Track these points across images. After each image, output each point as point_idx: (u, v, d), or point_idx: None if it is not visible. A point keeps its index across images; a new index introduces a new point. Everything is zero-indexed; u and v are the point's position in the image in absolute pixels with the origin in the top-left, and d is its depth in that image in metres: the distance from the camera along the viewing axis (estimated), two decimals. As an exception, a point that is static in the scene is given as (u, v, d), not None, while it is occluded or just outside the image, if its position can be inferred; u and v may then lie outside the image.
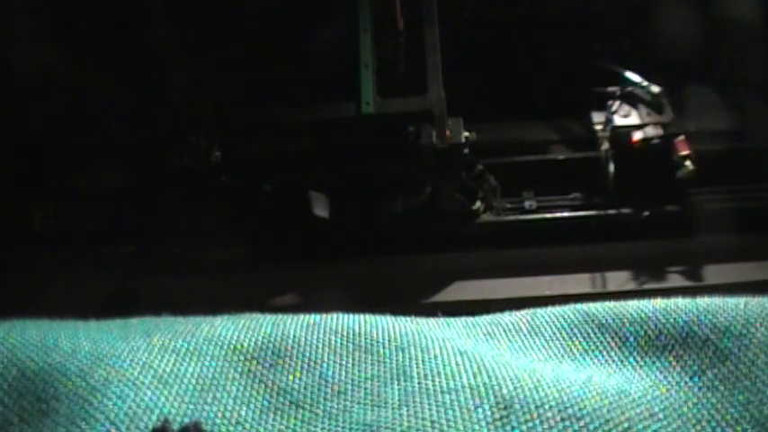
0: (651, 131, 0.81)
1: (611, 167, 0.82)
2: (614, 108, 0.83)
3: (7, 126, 0.84)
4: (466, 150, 0.77)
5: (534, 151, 0.90)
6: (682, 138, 0.80)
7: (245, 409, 0.40)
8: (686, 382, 0.41)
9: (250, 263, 0.82)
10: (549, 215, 0.83)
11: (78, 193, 0.85)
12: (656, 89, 0.83)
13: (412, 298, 0.80)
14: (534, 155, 0.90)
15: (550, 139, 0.93)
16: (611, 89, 0.85)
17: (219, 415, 0.39)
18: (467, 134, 0.77)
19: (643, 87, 0.83)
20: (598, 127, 0.85)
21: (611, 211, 0.82)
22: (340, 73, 0.81)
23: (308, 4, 0.86)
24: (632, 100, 0.83)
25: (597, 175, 0.85)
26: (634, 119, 0.82)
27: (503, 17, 0.95)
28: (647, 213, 0.81)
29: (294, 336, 0.44)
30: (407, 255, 0.83)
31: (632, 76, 0.85)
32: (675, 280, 0.80)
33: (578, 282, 0.81)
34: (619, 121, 0.82)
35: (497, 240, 0.83)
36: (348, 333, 0.45)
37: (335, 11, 0.84)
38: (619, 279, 0.81)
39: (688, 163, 0.78)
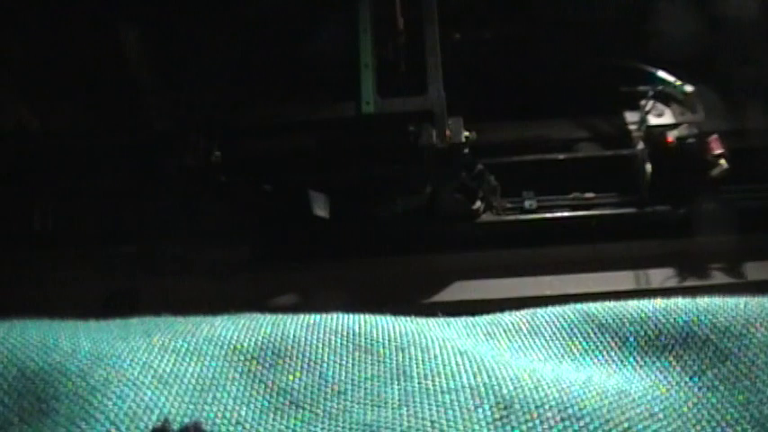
0: (685, 131, 0.81)
1: (648, 167, 0.82)
2: (648, 107, 0.83)
3: (7, 126, 0.84)
4: (466, 150, 0.77)
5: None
6: (715, 136, 0.80)
7: (245, 409, 0.40)
8: (686, 382, 0.41)
9: (250, 263, 0.82)
10: (549, 215, 0.83)
11: (78, 193, 0.85)
12: (689, 88, 0.83)
13: (412, 298, 0.80)
14: (538, 154, 0.90)
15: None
16: (642, 88, 0.85)
17: (219, 415, 0.39)
18: (467, 134, 0.77)
19: (676, 87, 0.84)
20: (632, 126, 0.85)
21: (648, 209, 0.83)
22: (340, 73, 0.81)
23: (309, 4, 0.86)
24: (664, 99, 0.84)
25: (603, 175, 0.85)
26: (668, 118, 0.82)
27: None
28: (682, 211, 0.82)
29: (294, 336, 0.44)
30: (407, 255, 0.83)
31: (665, 75, 0.85)
32: (675, 280, 0.80)
33: (578, 282, 0.81)
34: (653, 120, 0.83)
35: (497, 240, 0.83)
36: (348, 333, 0.45)
37: (335, 11, 0.84)
38: (619, 279, 0.81)
39: (722, 161, 0.79)
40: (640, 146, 0.83)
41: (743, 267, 0.80)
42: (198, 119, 0.78)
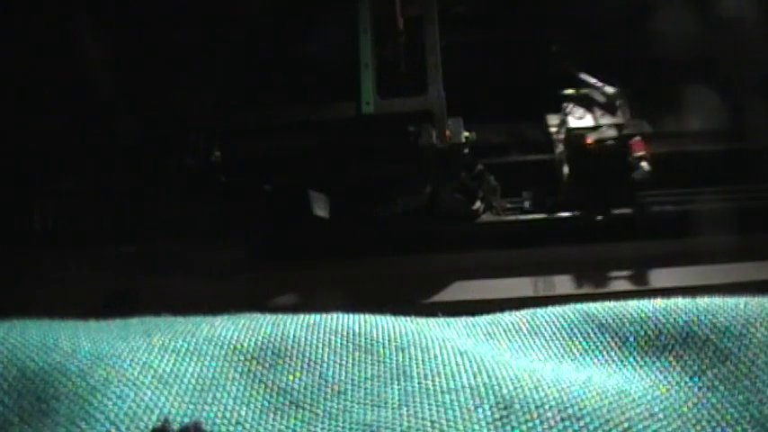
0: (606, 133, 0.81)
1: (566, 170, 0.81)
2: (569, 110, 0.83)
3: (7, 126, 0.84)
4: (466, 150, 0.77)
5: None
6: (637, 138, 0.80)
7: (245, 409, 0.40)
8: (686, 382, 0.41)
9: (250, 263, 0.82)
10: (549, 215, 0.83)
11: (78, 193, 0.85)
12: (610, 90, 0.82)
13: (412, 298, 0.80)
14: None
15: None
16: (567, 92, 0.85)
17: (219, 415, 0.39)
18: (467, 134, 0.77)
19: (598, 89, 0.83)
20: (553, 129, 0.84)
21: (565, 214, 0.82)
22: (340, 73, 0.81)
23: (309, 4, 0.86)
24: (588, 102, 0.83)
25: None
26: (589, 121, 0.82)
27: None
28: (600, 217, 0.81)
29: (294, 336, 0.44)
30: (407, 255, 0.83)
31: (587, 78, 0.85)
32: (675, 280, 0.80)
33: (578, 282, 0.81)
34: (573, 123, 0.82)
35: (497, 240, 0.83)
36: (348, 333, 0.45)
37: (335, 11, 0.84)
38: (619, 279, 0.81)
39: (644, 164, 0.78)
40: (560, 149, 0.82)
41: (743, 267, 0.80)
42: (198, 119, 0.78)
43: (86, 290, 0.78)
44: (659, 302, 0.46)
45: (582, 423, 0.37)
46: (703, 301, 0.45)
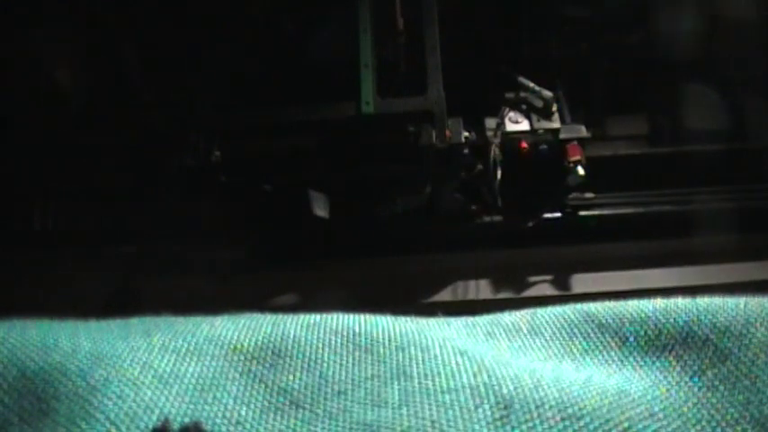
0: (541, 137, 0.81)
1: (499, 173, 0.81)
2: (505, 114, 0.82)
3: (7, 126, 0.84)
4: (466, 150, 0.77)
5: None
6: (574, 143, 0.80)
7: (245, 408, 0.40)
8: (686, 382, 0.41)
9: (250, 263, 0.82)
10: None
11: (78, 193, 0.85)
12: (547, 94, 0.82)
13: (412, 298, 0.80)
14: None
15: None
16: (507, 95, 0.84)
17: (219, 415, 0.39)
18: (467, 134, 0.77)
19: (535, 93, 0.83)
20: (489, 133, 0.83)
21: (497, 218, 0.82)
22: (340, 73, 0.81)
23: (308, 4, 0.86)
24: (527, 106, 0.83)
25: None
26: (524, 125, 0.82)
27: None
28: (531, 224, 0.82)
29: (294, 336, 0.44)
30: (407, 255, 0.83)
31: (526, 81, 0.84)
32: (675, 280, 0.80)
33: (578, 282, 0.81)
34: (510, 126, 0.82)
35: (497, 240, 0.83)
36: (348, 333, 0.45)
37: (335, 11, 0.84)
38: (619, 279, 0.81)
39: (579, 168, 0.78)
40: (495, 152, 0.81)
41: (743, 267, 0.80)
42: (198, 119, 0.78)
43: (86, 290, 0.78)
44: (659, 302, 0.46)
45: (582, 423, 0.37)
46: (703, 301, 0.45)
